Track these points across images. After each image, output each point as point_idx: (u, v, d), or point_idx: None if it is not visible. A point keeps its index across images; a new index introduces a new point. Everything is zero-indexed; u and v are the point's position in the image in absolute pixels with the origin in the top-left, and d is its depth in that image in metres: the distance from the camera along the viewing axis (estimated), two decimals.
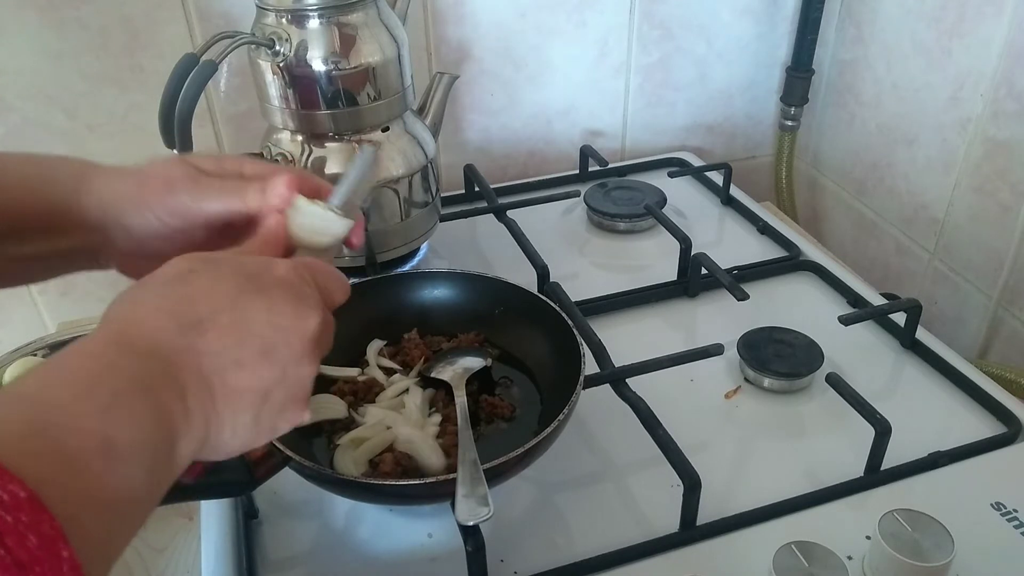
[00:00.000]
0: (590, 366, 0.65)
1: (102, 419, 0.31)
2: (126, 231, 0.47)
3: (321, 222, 0.47)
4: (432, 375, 0.66)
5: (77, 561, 0.27)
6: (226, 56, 0.68)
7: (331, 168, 0.75)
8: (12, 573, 0.25)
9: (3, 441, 0.29)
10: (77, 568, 0.27)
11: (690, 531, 0.58)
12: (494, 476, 0.53)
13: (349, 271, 0.82)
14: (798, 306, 0.83)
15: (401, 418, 0.61)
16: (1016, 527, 0.58)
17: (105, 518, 0.30)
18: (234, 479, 0.52)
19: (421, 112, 0.83)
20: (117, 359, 0.34)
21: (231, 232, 0.48)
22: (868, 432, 0.62)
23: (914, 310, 0.76)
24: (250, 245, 0.45)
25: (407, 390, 0.65)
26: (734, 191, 1.02)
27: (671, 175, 1.03)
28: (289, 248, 0.47)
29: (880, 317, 0.79)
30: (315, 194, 0.48)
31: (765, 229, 0.95)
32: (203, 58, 0.68)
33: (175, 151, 0.69)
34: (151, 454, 0.33)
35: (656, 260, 0.90)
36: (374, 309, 0.70)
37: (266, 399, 0.39)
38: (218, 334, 0.37)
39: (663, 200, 0.97)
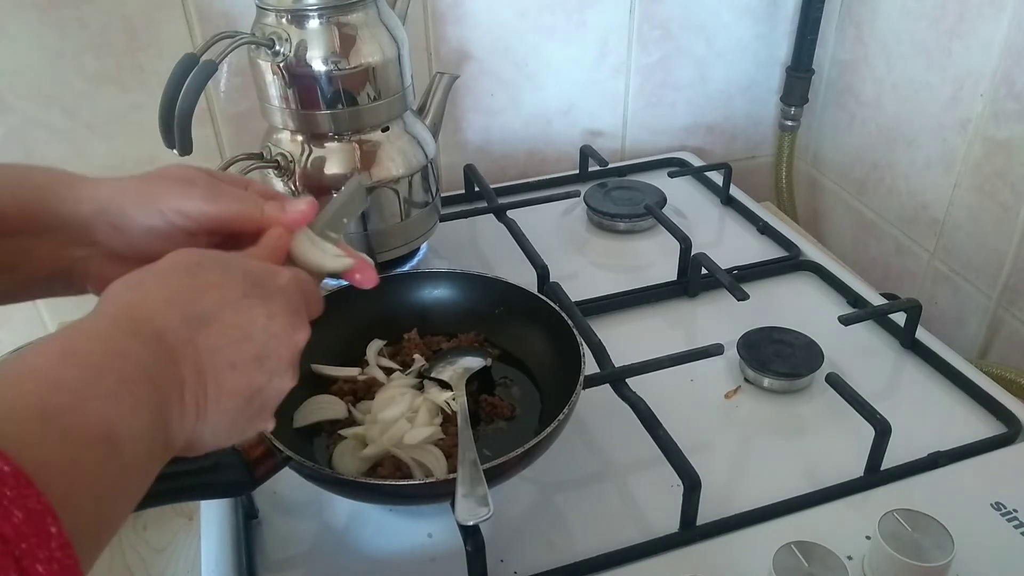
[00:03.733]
0: (590, 366, 0.65)
1: (107, 406, 0.32)
2: (118, 230, 0.47)
3: (320, 255, 0.49)
4: (432, 375, 0.66)
5: (66, 538, 0.27)
6: (226, 56, 0.68)
7: (331, 168, 0.75)
8: None
9: (6, 418, 0.29)
10: (66, 546, 0.27)
11: (690, 531, 0.58)
12: (494, 476, 0.53)
13: None
14: (798, 306, 0.83)
15: (407, 426, 0.61)
16: (1016, 527, 0.58)
17: (101, 503, 0.31)
18: (234, 479, 0.52)
19: (421, 112, 0.82)
20: (125, 345, 0.35)
21: (232, 243, 0.48)
22: (868, 432, 0.62)
23: (914, 310, 0.76)
24: (254, 251, 0.46)
25: (417, 393, 0.65)
26: (734, 191, 1.02)
27: (671, 175, 1.03)
28: (286, 263, 0.48)
29: (880, 317, 0.79)
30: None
31: (765, 229, 0.95)
32: (203, 58, 0.68)
33: (175, 151, 0.69)
34: (147, 444, 0.33)
35: (656, 260, 0.90)
36: (374, 309, 0.70)
37: (248, 404, 0.39)
38: (219, 331, 0.38)
39: (663, 200, 0.97)
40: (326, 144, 0.75)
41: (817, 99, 1.14)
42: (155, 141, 0.71)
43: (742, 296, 0.75)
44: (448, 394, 0.63)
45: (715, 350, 0.68)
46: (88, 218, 0.47)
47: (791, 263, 0.89)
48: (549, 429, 0.55)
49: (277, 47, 0.71)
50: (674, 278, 0.86)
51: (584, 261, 0.91)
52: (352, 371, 0.67)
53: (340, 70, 0.72)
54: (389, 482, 0.55)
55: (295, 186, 0.76)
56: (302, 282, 0.44)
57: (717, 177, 1.04)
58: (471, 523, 0.49)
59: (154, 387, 0.34)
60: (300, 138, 0.76)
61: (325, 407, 0.64)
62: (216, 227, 0.47)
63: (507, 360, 0.69)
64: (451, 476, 0.52)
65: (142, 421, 0.33)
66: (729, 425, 0.69)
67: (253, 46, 0.72)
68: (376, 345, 0.70)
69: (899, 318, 0.78)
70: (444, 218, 0.89)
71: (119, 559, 0.76)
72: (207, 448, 0.39)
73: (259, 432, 0.43)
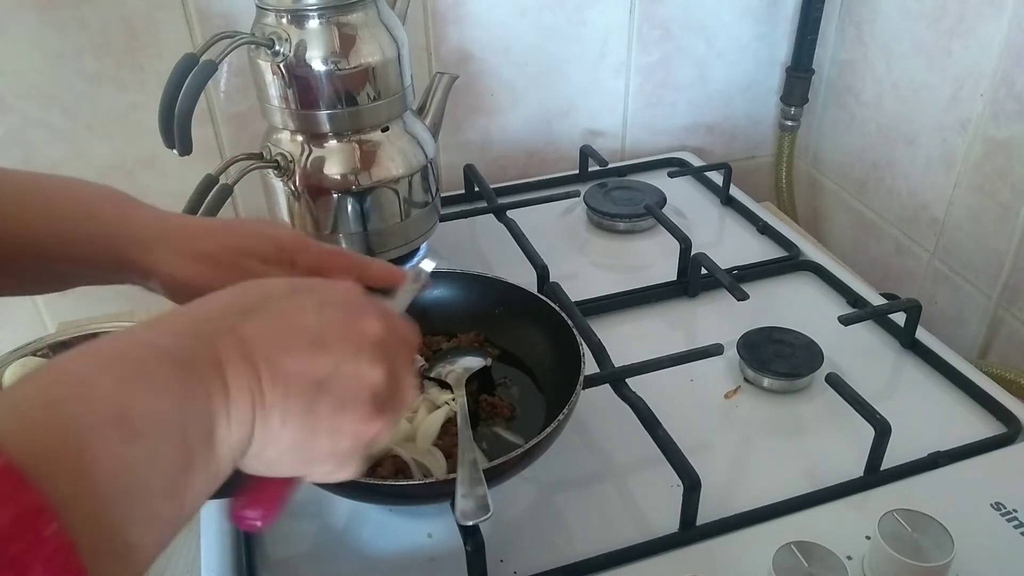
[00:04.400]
0: (590, 366, 0.65)
1: (119, 388, 0.29)
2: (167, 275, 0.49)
3: None
4: (432, 375, 0.66)
5: (67, 541, 0.25)
6: (226, 56, 0.68)
7: (331, 168, 0.75)
8: None
9: (8, 412, 0.27)
10: (66, 549, 0.25)
11: (690, 531, 0.58)
12: (494, 476, 0.53)
13: None
14: (798, 306, 0.83)
15: (408, 429, 0.61)
16: (1016, 527, 0.58)
17: (124, 496, 0.28)
18: (234, 479, 0.52)
19: (421, 112, 0.82)
20: (148, 336, 0.33)
21: None
22: (868, 432, 0.62)
23: (914, 310, 0.76)
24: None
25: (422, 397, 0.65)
26: (734, 191, 1.02)
27: (671, 175, 1.03)
28: None
29: (880, 317, 0.79)
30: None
31: (765, 229, 0.95)
32: (203, 58, 0.68)
33: (175, 151, 0.70)
34: (179, 431, 0.30)
35: (656, 260, 0.90)
36: None
37: (319, 390, 0.36)
38: (265, 319, 0.36)
39: (663, 200, 0.97)
40: (326, 144, 0.75)
41: (817, 99, 1.13)
42: (155, 141, 0.71)
43: (742, 296, 0.75)
44: (448, 394, 0.63)
45: (715, 350, 0.68)
46: (153, 264, 0.49)
47: (791, 263, 0.89)
48: (549, 429, 0.55)
49: (277, 47, 0.71)
50: (674, 278, 0.86)
51: (584, 261, 0.91)
52: None
53: (340, 70, 0.72)
54: (389, 482, 0.55)
55: (295, 186, 0.76)
56: (359, 293, 0.42)
57: (717, 177, 1.04)
58: (471, 523, 0.49)
59: (181, 369, 0.32)
60: (300, 138, 0.76)
61: None
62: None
63: (507, 360, 0.69)
64: (451, 476, 0.52)
65: (165, 403, 0.30)
66: (729, 425, 0.69)
67: (253, 46, 0.72)
68: None
69: (899, 318, 0.78)
70: (444, 218, 0.89)
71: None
72: (289, 456, 0.36)
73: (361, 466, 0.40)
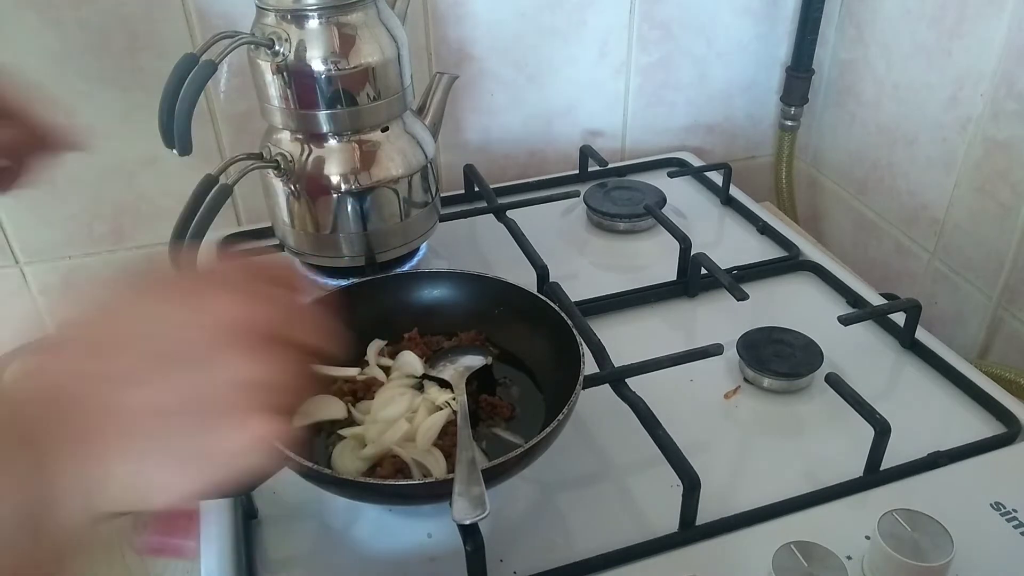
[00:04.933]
0: (590, 366, 0.65)
1: None
2: None
3: None
4: (432, 374, 0.66)
5: None
6: (226, 56, 0.68)
7: (331, 168, 0.75)
8: None
9: None
10: None
11: (689, 531, 0.58)
12: (493, 476, 0.53)
13: (349, 271, 0.82)
14: (798, 306, 0.83)
15: (408, 429, 0.61)
16: (1016, 527, 0.58)
17: None
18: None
19: (421, 112, 0.83)
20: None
21: None
22: (868, 432, 0.62)
23: (914, 310, 0.76)
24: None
25: (417, 392, 0.65)
26: (734, 191, 1.02)
27: (671, 175, 1.03)
28: None
29: (880, 317, 0.79)
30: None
31: (765, 229, 0.95)
32: (203, 58, 0.68)
33: (175, 151, 0.70)
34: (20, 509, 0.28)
35: (656, 260, 0.90)
36: (374, 309, 0.70)
37: (170, 419, 0.32)
38: (79, 345, 0.31)
39: (663, 200, 0.97)
40: (326, 144, 0.75)
41: (817, 99, 1.13)
42: (155, 141, 0.71)
43: (742, 296, 0.75)
44: (448, 394, 0.63)
45: (715, 350, 0.68)
46: None
47: (791, 263, 0.89)
48: (549, 429, 0.55)
49: (277, 47, 0.71)
50: (674, 278, 0.86)
51: (584, 261, 0.91)
52: (352, 371, 0.67)
53: (340, 70, 0.72)
54: (388, 482, 0.55)
55: (295, 186, 0.76)
56: (255, 264, 0.37)
57: (717, 177, 1.04)
58: (468, 522, 0.49)
59: (17, 442, 0.29)
60: (300, 138, 0.76)
61: (324, 407, 0.64)
62: None
63: (507, 360, 0.69)
64: (450, 476, 0.51)
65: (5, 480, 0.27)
66: (729, 425, 0.69)
67: (253, 46, 0.72)
68: (377, 345, 0.70)
69: (899, 318, 0.78)
70: (444, 218, 0.89)
71: (119, 559, 0.76)
72: (169, 494, 0.32)
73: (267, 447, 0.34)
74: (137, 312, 0.33)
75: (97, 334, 0.32)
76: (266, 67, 0.72)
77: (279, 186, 0.77)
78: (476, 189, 0.99)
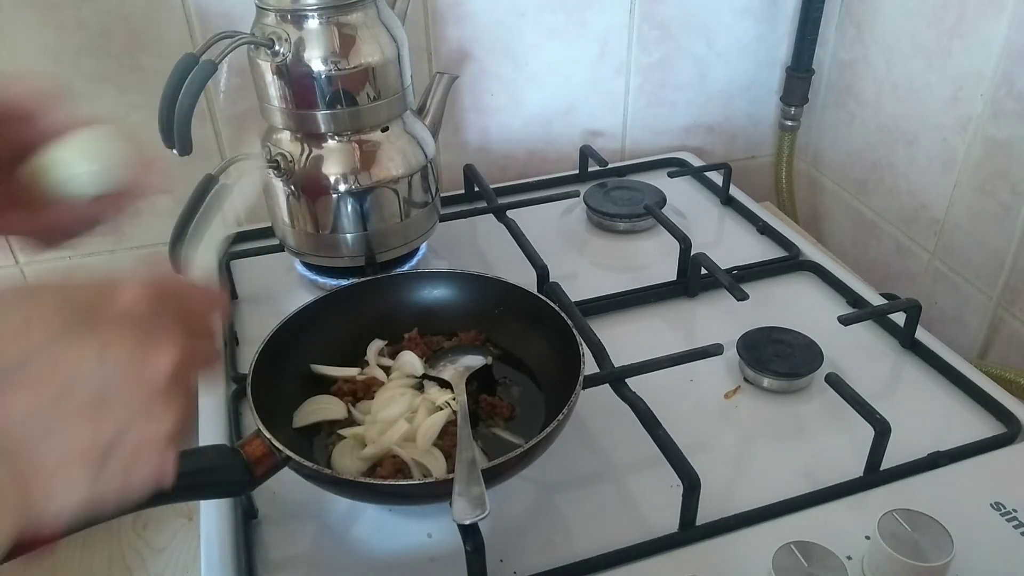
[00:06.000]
0: (590, 366, 0.65)
1: None
2: None
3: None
4: (433, 374, 0.66)
5: None
6: (226, 56, 0.68)
7: (330, 168, 0.76)
8: None
9: None
10: None
11: (689, 531, 0.58)
12: (493, 476, 0.53)
13: (349, 271, 0.82)
14: (798, 306, 0.83)
15: (408, 429, 0.61)
16: (1016, 527, 0.58)
17: None
18: (234, 479, 0.52)
19: (421, 112, 0.83)
20: None
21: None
22: (868, 432, 0.62)
23: (914, 310, 0.76)
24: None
25: (417, 393, 0.65)
26: (734, 191, 1.02)
27: (671, 175, 1.03)
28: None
29: (880, 317, 0.79)
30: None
31: (765, 229, 0.95)
32: (203, 58, 0.68)
33: (175, 151, 0.70)
34: None
35: (656, 260, 0.90)
36: (374, 309, 0.70)
37: (102, 463, 0.31)
38: (28, 390, 0.30)
39: (663, 200, 0.97)
40: (326, 144, 0.76)
41: (817, 99, 1.14)
42: (155, 141, 0.71)
43: (742, 296, 0.75)
44: (448, 394, 0.64)
45: (715, 350, 0.68)
46: None
47: (791, 263, 0.89)
48: (549, 429, 0.55)
49: (277, 47, 0.71)
50: (674, 278, 0.86)
51: (584, 261, 0.91)
52: (352, 371, 0.67)
53: (340, 70, 0.72)
54: (388, 482, 0.55)
55: (295, 186, 0.76)
56: (165, 289, 0.35)
57: (717, 177, 1.04)
58: (468, 522, 0.49)
59: None
60: (300, 138, 0.76)
61: (324, 407, 0.64)
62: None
63: (507, 360, 0.69)
64: (450, 476, 0.51)
65: None
66: (729, 425, 0.69)
67: (253, 46, 0.72)
68: (377, 345, 0.70)
69: (899, 318, 0.78)
70: (444, 218, 0.89)
71: (119, 559, 0.76)
72: (64, 520, 0.32)
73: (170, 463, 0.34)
74: (70, 351, 0.32)
75: (13, 360, 0.30)
76: (266, 67, 0.72)
77: (279, 186, 0.77)
78: (476, 189, 0.99)
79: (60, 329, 0.31)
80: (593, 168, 1.05)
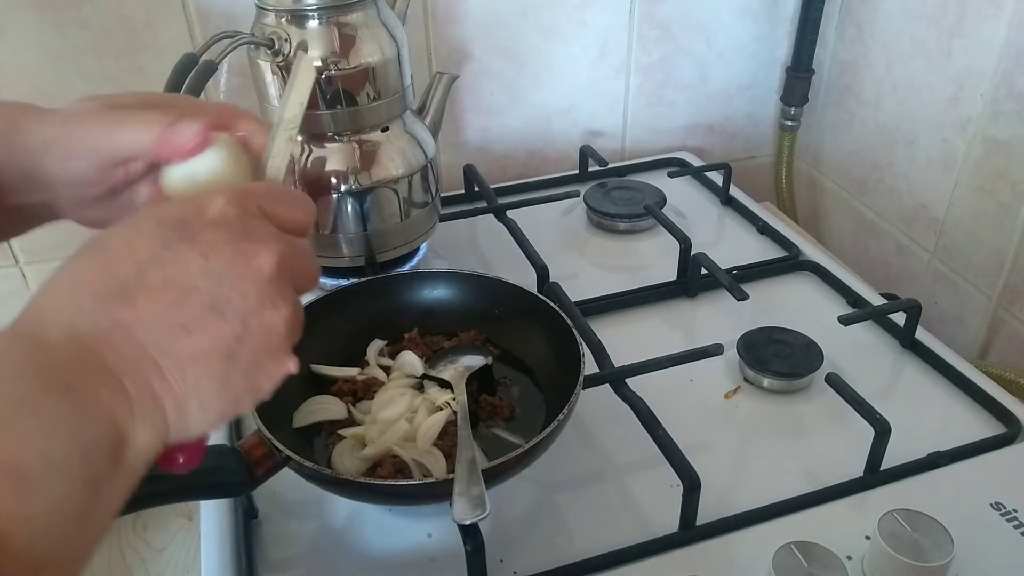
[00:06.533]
0: (590, 366, 0.65)
1: (3, 437, 0.26)
2: (58, 181, 0.41)
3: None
4: (433, 374, 0.66)
5: None
6: (226, 56, 0.68)
7: (330, 168, 0.75)
8: None
9: None
10: None
11: (690, 531, 0.58)
12: (493, 476, 0.53)
13: (349, 271, 0.82)
14: (798, 306, 0.83)
15: (408, 429, 0.61)
16: (1016, 527, 0.58)
17: (19, 560, 0.26)
18: (234, 479, 0.52)
19: (421, 112, 0.83)
20: (23, 359, 0.29)
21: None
22: (868, 432, 0.62)
23: (914, 310, 0.76)
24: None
25: (417, 393, 0.65)
26: (734, 191, 1.02)
27: (671, 175, 1.03)
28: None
29: (880, 317, 0.79)
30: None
31: (765, 229, 0.95)
32: (203, 58, 0.68)
33: None
34: (81, 466, 0.28)
35: (656, 260, 0.90)
36: (374, 309, 0.70)
37: (231, 359, 0.33)
38: (148, 299, 0.32)
39: (663, 200, 0.97)
40: (326, 144, 0.76)
41: (817, 99, 1.14)
42: None
43: (742, 296, 0.75)
44: (448, 394, 0.64)
45: (715, 350, 0.68)
46: (34, 154, 0.41)
47: (791, 263, 0.89)
48: (549, 429, 0.55)
49: (277, 47, 0.71)
50: (674, 278, 0.86)
51: (584, 261, 0.91)
52: (352, 371, 0.67)
53: (340, 70, 0.72)
54: (388, 482, 0.55)
55: (295, 186, 0.76)
56: (252, 196, 0.37)
57: (717, 177, 1.04)
58: (468, 522, 0.49)
59: (69, 393, 0.29)
60: (300, 138, 0.76)
61: (325, 407, 0.64)
62: (121, 161, 0.41)
63: (507, 360, 0.69)
64: (450, 476, 0.51)
65: (61, 440, 0.28)
66: (729, 425, 0.69)
67: (253, 46, 0.72)
68: (377, 345, 0.70)
69: (899, 318, 0.78)
70: (444, 218, 0.89)
71: (119, 559, 0.76)
72: (213, 423, 0.34)
73: (251, 407, 0.35)
74: (175, 258, 0.33)
75: (127, 275, 0.32)
76: (266, 67, 0.72)
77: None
78: (476, 189, 0.99)
79: (161, 245, 0.33)
80: (593, 168, 1.05)
